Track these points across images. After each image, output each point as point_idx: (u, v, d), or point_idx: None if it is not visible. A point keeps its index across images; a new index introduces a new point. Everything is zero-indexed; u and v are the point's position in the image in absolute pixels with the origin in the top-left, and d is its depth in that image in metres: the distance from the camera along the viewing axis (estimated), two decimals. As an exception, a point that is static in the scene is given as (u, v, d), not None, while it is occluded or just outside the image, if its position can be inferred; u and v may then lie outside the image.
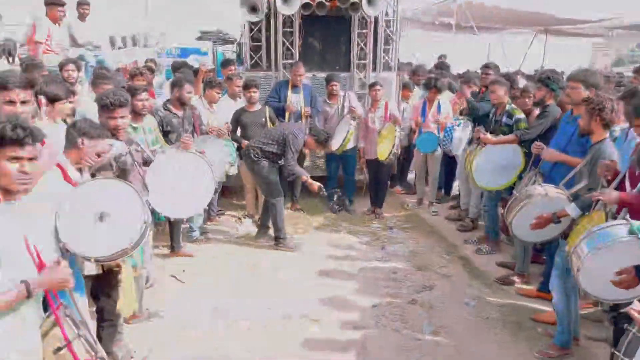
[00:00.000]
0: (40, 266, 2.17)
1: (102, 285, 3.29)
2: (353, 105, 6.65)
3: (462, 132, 6.16)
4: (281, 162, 5.72)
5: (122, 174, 3.40)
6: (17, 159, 2.07)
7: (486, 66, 6.68)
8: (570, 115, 4.35)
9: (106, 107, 3.41)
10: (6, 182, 2.08)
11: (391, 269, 5.31)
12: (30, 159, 2.11)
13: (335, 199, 5.95)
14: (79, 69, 6.10)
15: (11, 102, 2.64)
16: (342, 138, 6.52)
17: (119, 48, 13.85)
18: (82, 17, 8.11)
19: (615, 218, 3.09)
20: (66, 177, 2.77)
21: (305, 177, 5.66)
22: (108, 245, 2.70)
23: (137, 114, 4.31)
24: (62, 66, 5.82)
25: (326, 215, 6.83)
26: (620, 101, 4.03)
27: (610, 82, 5.78)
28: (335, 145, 6.68)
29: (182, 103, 5.32)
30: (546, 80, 4.86)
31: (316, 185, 5.63)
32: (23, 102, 2.69)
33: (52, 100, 3.51)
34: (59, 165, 2.77)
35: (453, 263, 5.52)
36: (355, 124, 6.50)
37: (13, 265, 2.05)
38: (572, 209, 3.55)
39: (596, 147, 3.67)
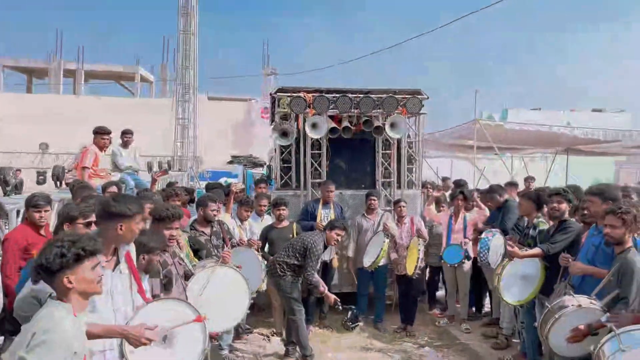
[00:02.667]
0: None
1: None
2: (388, 223, 6.84)
3: (497, 241, 6.21)
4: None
5: (168, 283, 3.57)
6: (96, 265, 2.33)
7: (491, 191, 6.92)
8: (596, 228, 4.44)
9: (167, 218, 3.72)
10: (87, 287, 2.30)
11: (424, 388, 5.11)
12: None
13: (349, 315, 5.88)
14: (119, 190, 6.52)
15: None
16: (375, 255, 6.63)
17: (155, 172, 14.68)
18: (125, 144, 8.79)
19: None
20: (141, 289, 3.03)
21: (323, 288, 5.68)
22: None
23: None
24: (105, 188, 6.22)
25: (356, 332, 6.72)
26: None
27: (629, 196, 5.87)
28: (367, 262, 6.77)
29: (208, 221, 5.58)
30: (565, 193, 4.99)
31: (332, 297, 5.65)
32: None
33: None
34: (137, 278, 3.02)
35: (489, 383, 5.29)
36: (388, 242, 6.63)
37: None
38: (608, 320, 3.49)
39: (622, 256, 3.71)
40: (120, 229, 2.85)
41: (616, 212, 3.74)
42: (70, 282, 2.22)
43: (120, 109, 23.38)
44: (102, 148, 7.59)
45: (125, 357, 2.84)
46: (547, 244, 4.91)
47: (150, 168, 13.88)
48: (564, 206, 4.90)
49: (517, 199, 6.55)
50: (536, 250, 5.02)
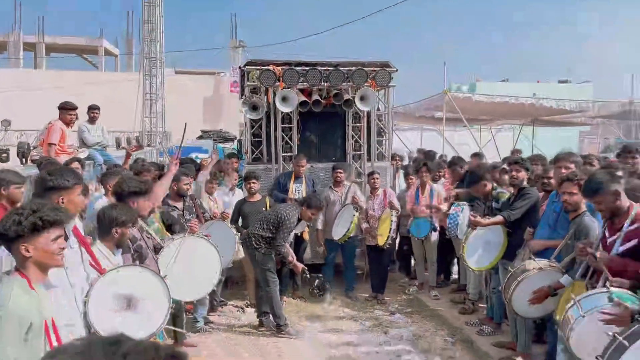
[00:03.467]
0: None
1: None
2: (357, 196, 6.96)
3: (466, 214, 6.40)
4: None
5: (139, 258, 3.60)
6: (58, 237, 2.30)
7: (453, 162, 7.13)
8: (556, 195, 4.64)
9: (142, 192, 3.74)
10: (46, 258, 2.28)
11: (395, 352, 5.31)
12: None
13: (316, 283, 6.06)
14: (83, 167, 6.41)
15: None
16: (346, 229, 6.74)
17: (123, 148, 14.47)
18: (92, 120, 8.64)
19: (594, 287, 3.29)
20: (95, 261, 3.00)
21: (291, 258, 5.82)
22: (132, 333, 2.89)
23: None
24: (67, 164, 6.12)
25: (329, 302, 6.88)
26: None
27: (591, 164, 6.11)
28: (338, 234, 6.88)
29: (180, 195, 5.60)
30: (523, 162, 5.19)
31: (300, 267, 5.86)
32: None
33: None
34: (89, 251, 3.00)
35: (456, 345, 5.52)
36: (357, 215, 6.74)
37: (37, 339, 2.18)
38: (566, 281, 3.70)
39: (577, 221, 3.91)
40: (62, 202, 2.83)
41: (573, 179, 3.92)
42: (27, 252, 2.20)
43: (84, 84, 22.75)
44: (68, 124, 7.44)
45: (92, 327, 2.87)
46: (507, 211, 5.14)
47: (118, 144, 13.66)
48: (522, 174, 5.11)
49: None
50: (497, 217, 5.24)
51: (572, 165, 4.55)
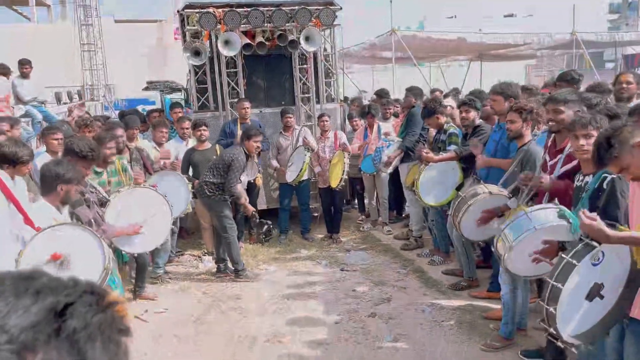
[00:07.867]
0: None
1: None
2: (308, 138, 6.95)
3: (393, 152, 6.57)
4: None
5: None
6: None
7: (408, 90, 7.19)
8: (497, 125, 4.78)
9: (87, 158, 3.65)
10: None
11: (350, 286, 5.49)
12: None
13: (264, 229, 6.14)
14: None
15: None
16: (298, 169, 6.77)
17: (64, 103, 13.85)
18: (24, 75, 8.22)
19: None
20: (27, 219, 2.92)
21: (244, 199, 5.81)
22: None
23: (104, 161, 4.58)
24: None
25: (285, 245, 6.99)
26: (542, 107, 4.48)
27: (532, 94, 6.27)
28: (291, 177, 6.92)
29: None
30: (471, 102, 5.26)
31: (250, 209, 5.86)
32: None
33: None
34: (20, 208, 2.91)
35: (408, 276, 5.76)
36: (309, 155, 6.77)
37: None
38: (513, 203, 3.87)
39: (524, 149, 4.06)
40: None
41: (514, 107, 4.05)
42: None
43: (16, 37, 21.37)
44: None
45: None
46: (459, 147, 5.25)
47: (59, 99, 13.02)
48: (472, 114, 5.19)
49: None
50: (449, 153, 5.36)
51: (499, 97, 4.67)
